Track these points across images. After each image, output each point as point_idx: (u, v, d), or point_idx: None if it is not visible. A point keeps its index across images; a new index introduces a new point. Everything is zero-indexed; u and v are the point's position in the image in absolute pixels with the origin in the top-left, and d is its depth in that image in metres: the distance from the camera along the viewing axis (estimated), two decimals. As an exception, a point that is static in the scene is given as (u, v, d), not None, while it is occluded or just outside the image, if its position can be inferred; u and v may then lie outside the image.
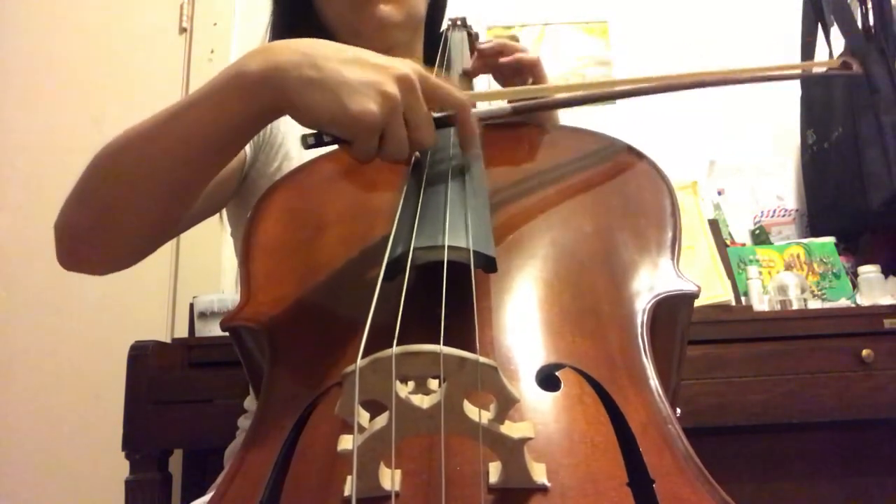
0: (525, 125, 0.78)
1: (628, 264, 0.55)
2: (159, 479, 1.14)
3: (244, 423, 0.86)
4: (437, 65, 0.87)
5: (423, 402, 0.36)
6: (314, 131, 0.54)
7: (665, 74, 0.68)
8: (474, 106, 0.60)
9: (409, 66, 0.53)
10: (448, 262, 0.47)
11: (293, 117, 0.55)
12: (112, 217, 0.63)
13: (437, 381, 0.36)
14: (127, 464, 1.14)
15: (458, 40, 0.93)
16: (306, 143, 0.54)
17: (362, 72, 0.52)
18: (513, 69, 0.81)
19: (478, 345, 0.43)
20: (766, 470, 1.26)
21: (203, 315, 1.42)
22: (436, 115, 0.56)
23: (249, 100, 0.55)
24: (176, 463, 1.27)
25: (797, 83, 1.79)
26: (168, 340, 1.38)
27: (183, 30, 1.98)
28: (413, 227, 0.50)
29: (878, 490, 1.24)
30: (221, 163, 0.63)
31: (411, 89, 0.52)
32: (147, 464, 1.14)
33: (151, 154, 0.60)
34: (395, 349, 0.35)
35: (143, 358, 1.17)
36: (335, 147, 0.55)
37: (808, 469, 1.26)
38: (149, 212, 0.64)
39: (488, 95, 0.66)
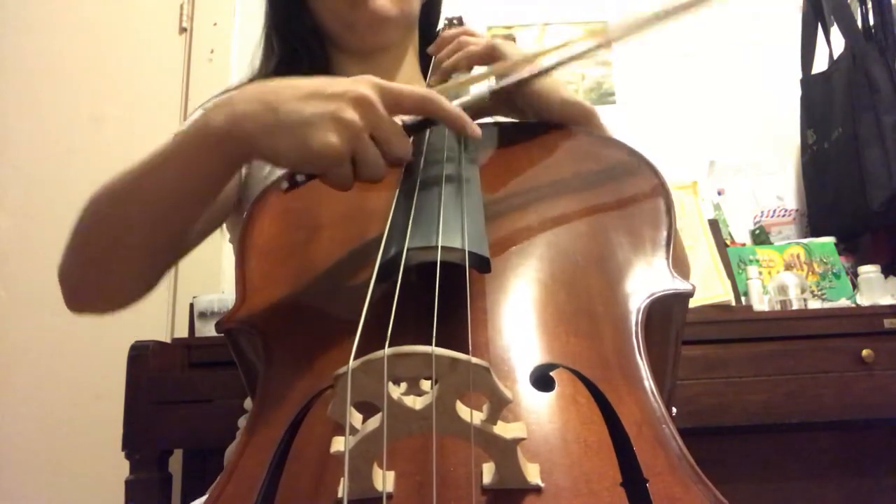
0: (517, 127, 0.77)
1: (623, 264, 0.55)
2: (159, 479, 1.14)
3: (244, 423, 0.86)
4: (431, 65, 0.87)
5: (415, 403, 0.36)
6: (286, 175, 0.54)
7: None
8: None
9: (366, 84, 0.53)
10: (442, 262, 0.47)
11: (265, 161, 0.56)
12: (104, 267, 0.65)
13: (429, 382, 0.36)
14: (127, 464, 1.14)
15: None
16: (281, 189, 0.54)
17: (319, 105, 0.51)
18: (475, 62, 0.80)
19: (470, 345, 0.43)
20: (766, 470, 1.26)
21: (203, 315, 1.42)
22: (410, 121, 0.56)
23: (216, 154, 0.56)
24: (176, 463, 1.27)
25: (797, 83, 1.78)
26: (168, 340, 1.38)
27: (183, 30, 1.98)
28: (407, 227, 0.50)
29: (878, 490, 1.24)
30: (203, 209, 0.63)
31: (370, 107, 0.52)
32: (147, 464, 1.14)
33: (130, 211, 0.61)
34: (386, 350, 0.35)
35: (143, 358, 1.17)
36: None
37: (808, 469, 1.25)
38: (139, 259, 0.65)
39: (455, 85, 0.65)
